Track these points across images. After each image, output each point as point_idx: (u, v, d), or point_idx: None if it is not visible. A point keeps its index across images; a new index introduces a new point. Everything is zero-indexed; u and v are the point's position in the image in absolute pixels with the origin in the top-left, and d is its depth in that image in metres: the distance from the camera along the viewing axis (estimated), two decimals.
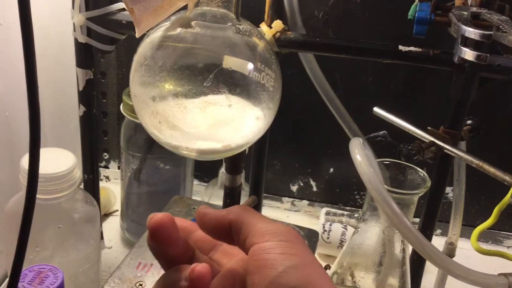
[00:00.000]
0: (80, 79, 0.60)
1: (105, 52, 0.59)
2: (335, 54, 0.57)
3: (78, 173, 0.51)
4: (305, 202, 0.87)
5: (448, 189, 0.76)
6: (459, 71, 0.53)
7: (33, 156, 0.39)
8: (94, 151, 0.64)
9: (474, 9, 0.49)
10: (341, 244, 0.75)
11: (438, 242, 0.71)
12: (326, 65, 0.61)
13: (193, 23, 0.43)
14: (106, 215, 0.80)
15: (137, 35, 0.41)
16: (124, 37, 0.58)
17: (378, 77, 0.77)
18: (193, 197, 0.78)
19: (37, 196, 0.39)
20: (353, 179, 0.83)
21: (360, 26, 0.73)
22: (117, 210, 0.80)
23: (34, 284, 0.41)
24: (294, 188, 0.87)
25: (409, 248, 0.59)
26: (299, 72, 0.60)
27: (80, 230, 0.54)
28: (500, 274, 0.42)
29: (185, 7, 0.43)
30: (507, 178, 0.49)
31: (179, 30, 0.43)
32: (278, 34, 0.55)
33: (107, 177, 0.89)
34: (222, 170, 0.78)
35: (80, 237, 0.54)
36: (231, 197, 0.53)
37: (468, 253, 0.64)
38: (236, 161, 0.51)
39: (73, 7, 0.56)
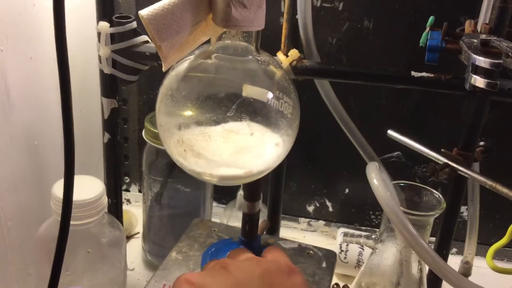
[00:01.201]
0: (105, 108, 0.62)
1: (129, 82, 0.61)
2: (349, 81, 0.59)
3: (106, 199, 0.53)
4: (321, 222, 0.88)
5: (463, 208, 0.77)
6: (470, 96, 0.55)
7: (68, 184, 0.42)
8: (118, 176, 0.66)
9: (483, 36, 0.51)
10: (358, 264, 0.76)
11: (454, 261, 0.72)
12: (340, 89, 0.63)
13: (215, 55, 0.46)
14: (128, 238, 0.81)
15: (164, 69, 0.43)
16: (147, 67, 0.61)
17: (392, 100, 0.78)
18: (212, 219, 0.80)
19: None
20: (368, 199, 0.84)
21: (373, 51, 0.75)
22: (138, 233, 0.82)
23: None
24: (310, 208, 0.88)
25: (426, 268, 0.60)
26: (314, 96, 0.62)
27: (107, 253, 0.56)
28: None
29: (208, 41, 0.46)
30: None
31: (202, 62, 0.46)
32: (294, 62, 0.58)
33: (128, 200, 0.91)
34: (240, 192, 0.80)
35: (106, 260, 0.56)
36: (250, 223, 0.54)
37: (484, 271, 0.65)
38: (254, 189, 0.52)
39: (99, 41, 0.59)
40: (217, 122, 0.44)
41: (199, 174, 0.47)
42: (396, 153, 0.78)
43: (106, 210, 0.57)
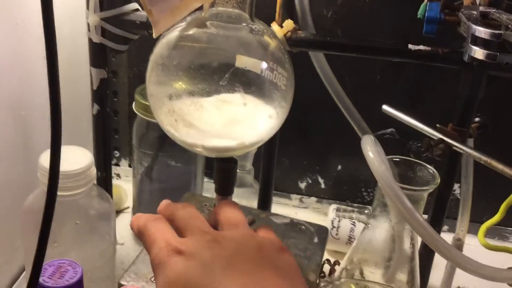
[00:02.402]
0: (94, 78, 0.61)
1: (119, 52, 0.60)
2: (345, 53, 0.58)
3: (94, 170, 0.52)
4: (313, 199, 0.88)
5: (456, 186, 0.77)
6: (467, 70, 0.54)
7: (55, 154, 0.40)
8: (107, 149, 0.65)
9: (482, 8, 0.50)
10: (349, 240, 0.76)
11: (446, 238, 0.71)
12: (334, 64, 0.62)
13: (208, 23, 0.44)
14: (118, 212, 0.81)
15: (155, 36, 0.42)
16: (137, 36, 0.59)
17: (386, 75, 0.77)
18: (204, 194, 0.79)
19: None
20: (360, 176, 0.84)
21: (369, 25, 0.74)
22: (128, 207, 0.81)
23: (54, 278, 0.42)
24: (302, 185, 0.88)
25: (418, 244, 0.60)
26: (308, 70, 0.61)
27: (96, 226, 0.55)
28: (509, 268, 0.43)
29: (200, 8, 0.44)
30: None
31: (194, 30, 0.44)
32: (289, 33, 0.56)
33: (118, 175, 0.90)
34: None
35: (96, 233, 0.55)
36: None
37: (475, 249, 0.65)
38: (226, 182, 0.48)
39: (87, 8, 0.57)
40: (209, 92, 0.43)
41: (190, 146, 0.46)
42: (390, 129, 0.77)
43: (95, 183, 0.56)
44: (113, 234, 0.58)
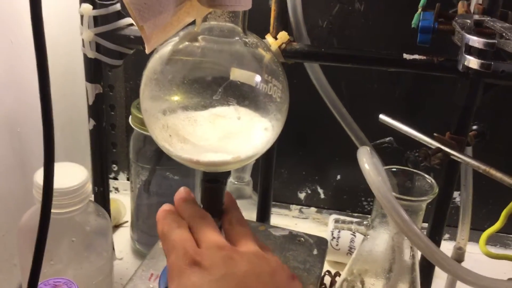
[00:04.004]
0: (89, 93, 0.60)
1: (114, 67, 0.60)
2: (340, 64, 0.58)
3: (90, 187, 0.52)
4: (313, 209, 0.88)
5: (456, 194, 0.76)
6: (463, 78, 0.53)
7: (48, 171, 0.40)
8: (104, 163, 0.65)
9: (477, 16, 0.50)
10: (350, 251, 0.75)
11: (447, 246, 0.71)
12: (331, 73, 0.62)
13: (200, 37, 0.44)
14: (116, 227, 0.80)
15: (147, 51, 0.42)
16: (132, 51, 0.59)
17: (383, 84, 0.77)
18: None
19: (52, 210, 0.40)
20: (360, 185, 0.84)
21: (364, 34, 0.74)
22: (127, 222, 0.81)
23: None
24: (302, 195, 0.87)
25: (419, 254, 0.59)
26: (305, 81, 0.61)
27: (92, 242, 0.55)
28: (510, 279, 0.42)
29: (193, 23, 0.44)
30: None
31: (187, 44, 0.44)
32: (283, 45, 0.56)
33: (116, 189, 0.90)
34: (231, 179, 0.79)
35: (92, 249, 0.55)
36: None
37: (477, 257, 0.64)
38: (213, 204, 0.47)
39: (82, 23, 0.57)
40: (203, 107, 0.42)
41: (185, 161, 0.45)
42: (388, 138, 0.77)
43: (92, 199, 0.55)
44: (110, 250, 0.58)
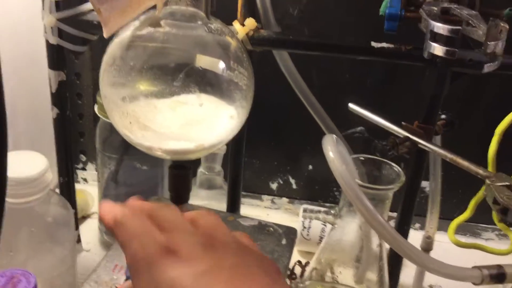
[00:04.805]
0: (52, 80, 0.59)
1: (78, 53, 0.58)
2: (308, 52, 0.57)
3: (50, 176, 0.50)
4: (285, 199, 0.87)
5: (426, 183, 0.77)
6: (431, 67, 0.53)
7: (1, 159, 0.39)
8: (69, 153, 0.64)
9: (444, 4, 0.50)
10: (320, 240, 0.75)
11: (416, 236, 0.71)
12: (301, 63, 0.61)
13: (162, 22, 0.43)
14: (84, 218, 0.79)
15: (105, 36, 0.40)
16: (96, 37, 0.58)
17: (353, 74, 0.77)
18: None
19: (9, 200, 0.39)
20: (331, 175, 0.83)
21: (336, 23, 0.73)
22: (95, 213, 0.79)
23: None
24: (273, 186, 0.87)
25: (386, 243, 0.59)
26: (276, 70, 0.60)
27: (54, 233, 0.53)
28: (474, 267, 0.43)
29: (154, 7, 0.43)
30: (480, 171, 0.50)
31: (148, 29, 0.43)
32: (251, 32, 0.55)
33: (85, 179, 0.88)
34: (201, 169, 0.78)
35: (54, 240, 0.54)
36: None
37: (446, 246, 0.64)
38: (181, 190, 0.46)
39: (43, 8, 0.55)
40: (164, 94, 0.41)
41: (148, 149, 0.44)
42: (359, 128, 0.77)
43: (53, 188, 0.54)
44: (73, 241, 0.56)
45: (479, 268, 0.43)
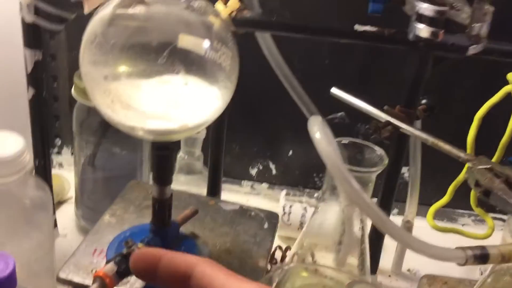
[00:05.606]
0: (28, 60, 0.57)
1: (54, 32, 0.56)
2: (291, 34, 0.57)
3: (28, 157, 0.49)
4: (265, 185, 0.87)
5: (404, 169, 0.77)
6: (413, 50, 0.53)
7: None
8: (45, 135, 0.62)
9: None
10: (301, 225, 0.75)
11: (396, 221, 0.71)
12: (284, 47, 0.60)
13: None
14: (60, 203, 0.77)
15: (86, 11, 0.40)
16: (73, 16, 0.56)
17: (335, 58, 0.77)
18: (151, 183, 0.76)
19: None
20: (312, 161, 0.83)
21: (319, 7, 0.73)
22: (71, 197, 0.78)
23: None
24: (253, 171, 0.86)
25: (368, 227, 0.59)
26: (257, 53, 0.60)
27: (32, 217, 0.52)
28: (457, 248, 0.43)
29: None
30: (461, 155, 0.50)
31: (130, 6, 0.42)
32: (234, 13, 0.55)
33: (60, 164, 0.86)
34: (180, 154, 0.77)
35: (32, 224, 0.52)
36: (160, 209, 0.47)
37: (424, 230, 0.65)
38: (164, 171, 0.46)
39: None
40: (147, 72, 0.40)
41: (130, 129, 0.43)
42: (340, 113, 0.77)
43: (31, 171, 0.52)
44: (51, 225, 0.55)
45: (462, 249, 0.43)
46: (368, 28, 0.53)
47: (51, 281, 0.56)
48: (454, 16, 0.47)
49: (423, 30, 0.43)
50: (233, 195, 0.85)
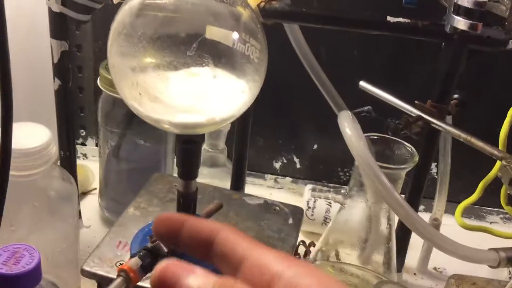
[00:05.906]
0: (54, 50, 0.57)
1: (81, 22, 0.56)
2: (321, 25, 0.55)
3: (54, 149, 0.49)
4: (289, 179, 0.86)
5: (432, 165, 0.76)
6: (448, 43, 0.52)
7: (6, 130, 0.37)
8: (71, 126, 0.62)
9: None
10: (325, 221, 0.74)
11: (423, 218, 0.71)
12: (311, 38, 0.59)
13: None
14: (84, 194, 0.77)
15: (115, 1, 0.39)
16: (100, 6, 0.55)
17: (364, 50, 0.75)
18: (174, 175, 0.76)
19: (11, 172, 0.37)
20: (337, 155, 0.82)
21: None
22: (95, 189, 0.78)
23: (9, 264, 0.39)
24: (277, 165, 0.85)
25: (395, 224, 0.58)
26: (283, 46, 0.58)
27: (57, 208, 0.52)
28: (490, 249, 0.42)
29: None
30: (495, 152, 0.48)
31: None
32: (262, 3, 0.53)
33: (85, 155, 0.86)
34: (204, 146, 0.76)
35: (57, 215, 0.52)
36: (185, 204, 0.47)
37: (452, 228, 0.64)
38: (189, 165, 0.45)
39: None
40: (176, 64, 0.39)
41: (156, 122, 0.43)
42: (367, 107, 0.75)
43: (56, 162, 0.52)
44: (76, 216, 0.55)
45: (496, 250, 0.42)
46: (401, 19, 0.52)
47: (75, 271, 0.56)
48: (493, 8, 0.45)
49: (461, 22, 0.42)
50: (256, 188, 0.85)
